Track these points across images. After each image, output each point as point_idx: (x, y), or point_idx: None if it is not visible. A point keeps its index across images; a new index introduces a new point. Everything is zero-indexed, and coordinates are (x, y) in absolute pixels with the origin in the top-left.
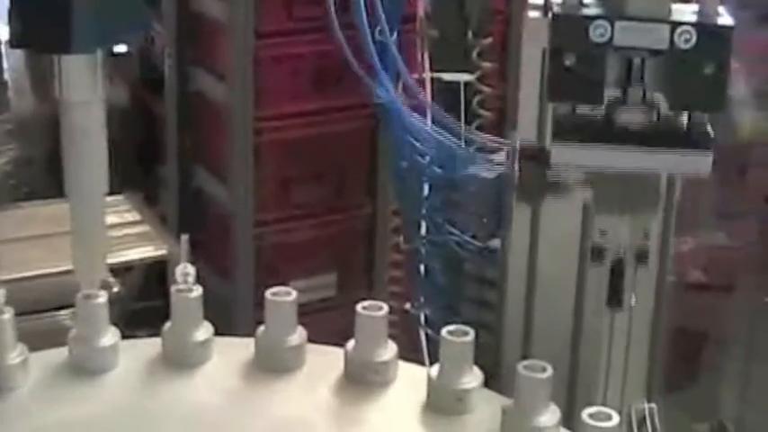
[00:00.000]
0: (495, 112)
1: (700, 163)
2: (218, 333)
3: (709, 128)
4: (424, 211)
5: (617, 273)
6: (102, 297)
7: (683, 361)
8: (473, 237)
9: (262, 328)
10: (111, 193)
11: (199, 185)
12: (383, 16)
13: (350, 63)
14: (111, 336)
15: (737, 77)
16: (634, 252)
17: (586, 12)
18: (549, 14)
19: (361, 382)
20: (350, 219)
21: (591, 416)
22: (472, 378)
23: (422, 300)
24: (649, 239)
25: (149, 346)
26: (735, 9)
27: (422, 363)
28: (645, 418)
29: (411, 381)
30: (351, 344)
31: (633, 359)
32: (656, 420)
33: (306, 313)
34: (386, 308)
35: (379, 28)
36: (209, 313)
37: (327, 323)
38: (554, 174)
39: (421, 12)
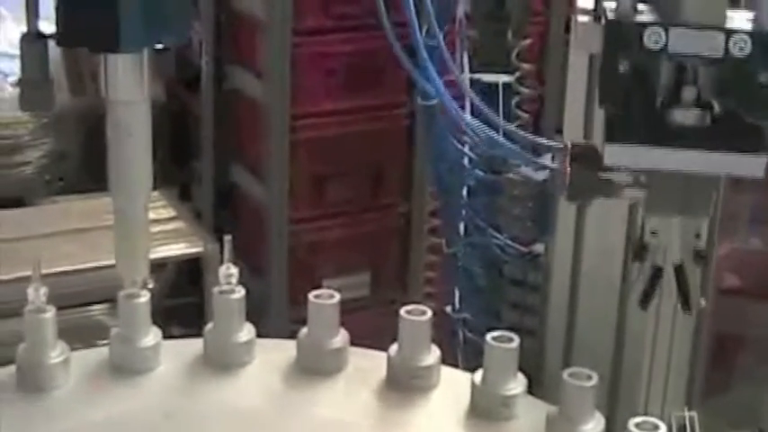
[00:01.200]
0: (533, 113)
1: (753, 165)
2: None
3: (763, 130)
4: (466, 214)
5: (680, 276)
6: (145, 297)
7: (719, 367)
8: (514, 240)
9: (304, 330)
10: None
11: (234, 182)
12: (433, 15)
13: (400, 60)
14: (152, 336)
15: None
16: (691, 254)
17: (641, 18)
18: (603, 20)
19: (403, 386)
20: (384, 218)
21: (637, 426)
22: (516, 384)
23: (462, 303)
24: (701, 240)
25: (191, 347)
26: None
27: (456, 365)
28: (685, 425)
29: (454, 386)
30: (393, 348)
31: (675, 365)
32: (697, 428)
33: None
34: (429, 312)
35: (426, 27)
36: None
37: (361, 322)
38: (605, 175)
39: (460, 13)
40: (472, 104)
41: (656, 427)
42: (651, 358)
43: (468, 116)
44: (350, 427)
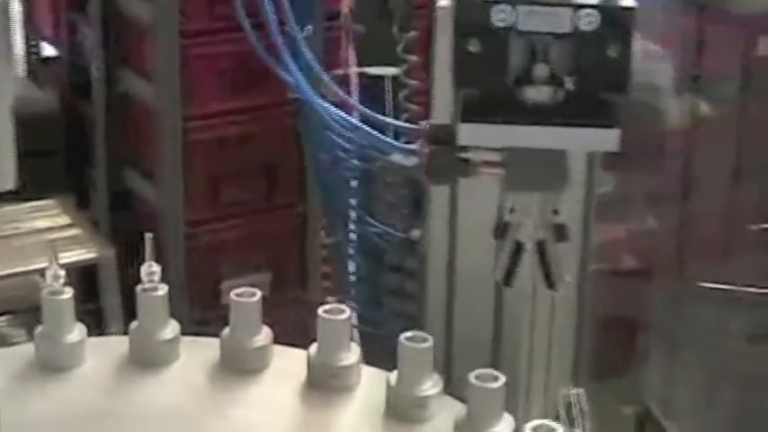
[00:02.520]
0: (423, 104)
1: (607, 139)
2: None
3: (616, 104)
4: (344, 205)
5: (542, 253)
6: (68, 293)
7: (618, 348)
8: (394, 228)
9: (227, 329)
10: (42, 197)
11: (129, 187)
12: (290, 12)
13: (264, 61)
14: (77, 332)
15: (663, 64)
16: (551, 229)
17: None
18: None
19: (323, 386)
20: (282, 217)
21: (534, 429)
22: (432, 384)
23: (348, 293)
24: (559, 216)
25: (117, 345)
26: None
27: None
28: (572, 403)
29: (374, 385)
30: (313, 347)
31: (557, 344)
32: (584, 405)
33: None
34: (348, 311)
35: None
36: None
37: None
38: (464, 154)
39: (345, 8)
40: (360, 97)
41: (553, 429)
42: (531, 338)
43: (329, 107)
44: (266, 427)
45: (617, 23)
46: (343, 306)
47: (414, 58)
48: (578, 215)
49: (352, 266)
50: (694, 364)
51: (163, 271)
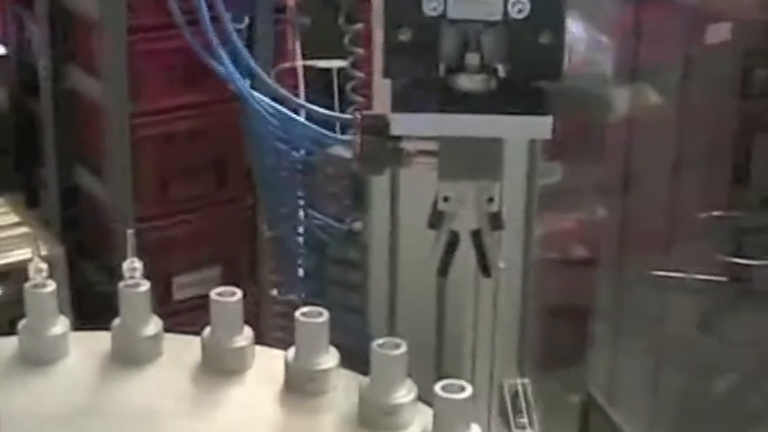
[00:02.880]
0: (370, 97)
1: (539, 127)
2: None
3: (549, 91)
4: (286, 197)
5: (477, 242)
6: (51, 286)
7: (565, 337)
8: (336, 220)
9: (208, 329)
10: None
11: (78, 184)
12: (222, 5)
13: (200, 56)
14: (60, 325)
15: (608, 55)
16: (486, 219)
17: None
18: None
19: (300, 389)
20: (231, 212)
21: (443, 388)
22: (405, 392)
23: (292, 286)
24: (494, 204)
25: (99, 340)
26: None
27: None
28: (518, 393)
29: (352, 390)
30: (291, 350)
31: (502, 334)
32: (530, 395)
33: (191, 309)
34: (326, 314)
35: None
36: (95, 312)
37: None
38: (397, 144)
39: (291, 0)
40: (307, 91)
41: (463, 388)
42: (474, 328)
43: (265, 100)
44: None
45: (548, 10)
46: (321, 309)
47: (360, 50)
48: (521, 205)
49: (291, 258)
50: (640, 351)
51: (114, 268)
